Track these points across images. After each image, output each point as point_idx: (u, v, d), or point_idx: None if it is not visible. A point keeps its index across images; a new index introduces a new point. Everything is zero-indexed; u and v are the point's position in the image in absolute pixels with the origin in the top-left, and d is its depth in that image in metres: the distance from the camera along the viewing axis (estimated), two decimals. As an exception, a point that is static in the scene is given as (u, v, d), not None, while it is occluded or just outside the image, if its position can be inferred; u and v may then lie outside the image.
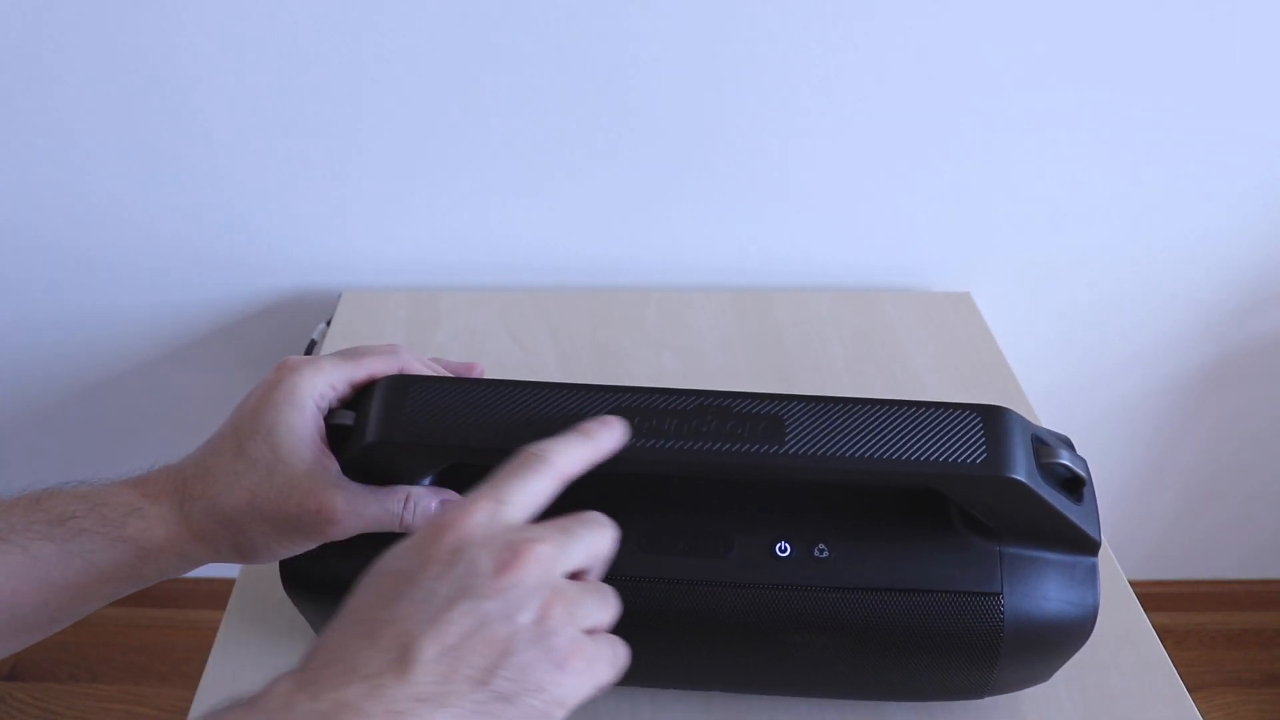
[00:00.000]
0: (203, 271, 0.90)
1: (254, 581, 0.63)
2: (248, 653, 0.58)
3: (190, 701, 0.56)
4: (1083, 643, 0.49)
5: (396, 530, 0.47)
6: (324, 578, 0.49)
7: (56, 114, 0.79)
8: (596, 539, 0.38)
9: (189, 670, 1.19)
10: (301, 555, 0.48)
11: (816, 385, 0.79)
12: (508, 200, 0.86)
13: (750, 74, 0.78)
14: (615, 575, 0.43)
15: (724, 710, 0.55)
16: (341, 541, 0.47)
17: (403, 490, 0.47)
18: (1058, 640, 0.48)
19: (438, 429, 0.46)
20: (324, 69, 0.77)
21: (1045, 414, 0.80)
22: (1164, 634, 0.60)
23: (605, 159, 0.83)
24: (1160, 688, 0.57)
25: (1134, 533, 1.19)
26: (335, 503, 0.44)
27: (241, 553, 0.45)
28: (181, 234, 0.87)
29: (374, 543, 0.47)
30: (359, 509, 0.45)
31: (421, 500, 0.47)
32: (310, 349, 0.86)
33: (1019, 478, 0.44)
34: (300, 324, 0.94)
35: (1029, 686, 0.52)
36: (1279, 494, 1.14)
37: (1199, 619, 1.27)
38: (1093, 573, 0.48)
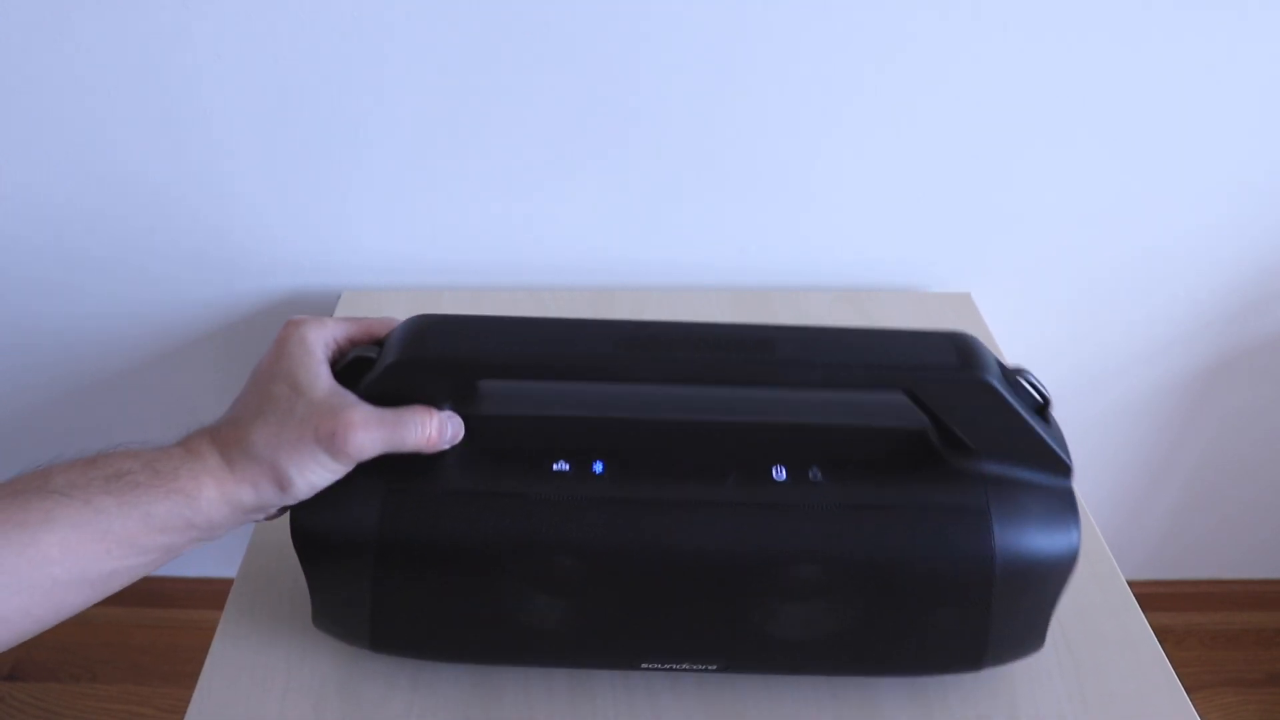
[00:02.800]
0: (203, 271, 0.90)
1: (253, 581, 0.63)
2: (247, 653, 0.58)
3: (189, 701, 0.56)
4: (1070, 566, 0.50)
5: (422, 448, 0.49)
6: (333, 532, 0.50)
7: (55, 112, 0.79)
8: None
9: (189, 670, 1.18)
10: (311, 515, 0.49)
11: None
12: (508, 200, 0.86)
13: (751, 75, 0.78)
14: (622, 499, 0.48)
15: (723, 710, 0.55)
16: (354, 496, 0.49)
17: (424, 408, 0.49)
18: (1045, 562, 0.49)
19: (458, 349, 0.49)
20: (324, 69, 0.77)
21: (1045, 414, 0.80)
22: (1163, 634, 0.60)
23: (605, 159, 0.83)
24: (1159, 688, 0.57)
25: (1134, 533, 1.19)
26: (353, 417, 0.47)
27: (281, 486, 0.47)
28: (181, 234, 0.87)
29: (387, 492, 0.49)
30: (378, 421, 0.48)
31: (440, 418, 0.49)
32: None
33: (989, 379, 0.48)
34: (300, 324, 0.94)
35: (1024, 648, 0.52)
36: (1279, 494, 1.14)
37: (1198, 619, 1.27)
38: (1070, 496, 0.50)
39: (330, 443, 0.46)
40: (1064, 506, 0.50)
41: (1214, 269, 0.92)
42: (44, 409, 1.02)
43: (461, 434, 0.51)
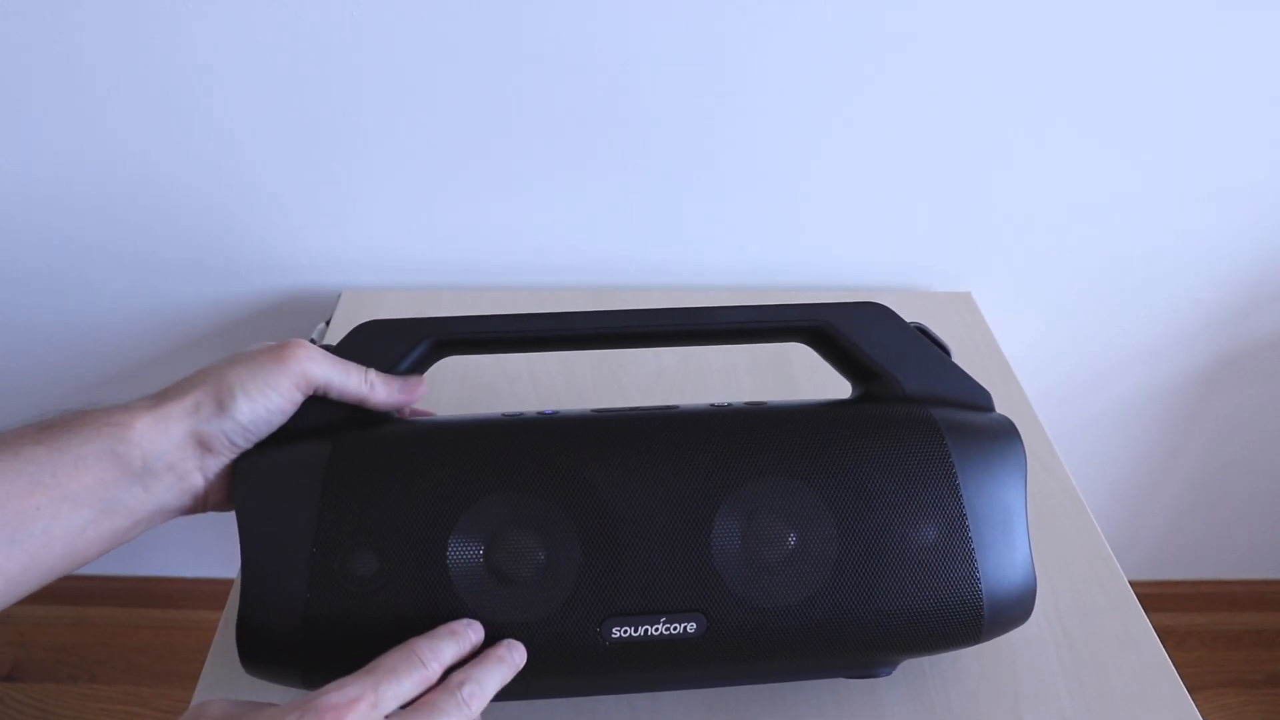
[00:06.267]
0: (203, 271, 0.90)
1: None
2: (247, 653, 0.58)
3: (189, 702, 0.55)
4: (1021, 461, 0.51)
5: (364, 393, 0.50)
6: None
7: (56, 111, 0.79)
8: (457, 712, 0.41)
9: (188, 671, 1.19)
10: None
11: (816, 385, 0.79)
12: (508, 200, 0.86)
13: (752, 76, 0.78)
14: (576, 419, 0.50)
15: (724, 710, 0.55)
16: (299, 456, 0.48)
17: (364, 368, 0.51)
18: (999, 460, 0.50)
19: (416, 321, 0.53)
20: (329, 69, 0.77)
21: (1045, 414, 0.80)
22: (1164, 635, 0.60)
23: (607, 160, 0.83)
24: (1161, 689, 0.57)
25: (1134, 533, 1.19)
26: (302, 342, 0.49)
27: (221, 403, 0.46)
28: (182, 234, 0.87)
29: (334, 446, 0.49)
30: (326, 353, 0.49)
31: (384, 375, 0.51)
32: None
33: (888, 306, 0.54)
34: (300, 324, 0.94)
35: (1018, 617, 0.51)
36: (1279, 494, 1.14)
37: (1200, 619, 1.27)
38: (1006, 418, 0.53)
39: (278, 353, 0.47)
40: (998, 417, 0.53)
41: (1214, 269, 0.92)
42: (42, 408, 1.02)
43: (412, 399, 0.52)
